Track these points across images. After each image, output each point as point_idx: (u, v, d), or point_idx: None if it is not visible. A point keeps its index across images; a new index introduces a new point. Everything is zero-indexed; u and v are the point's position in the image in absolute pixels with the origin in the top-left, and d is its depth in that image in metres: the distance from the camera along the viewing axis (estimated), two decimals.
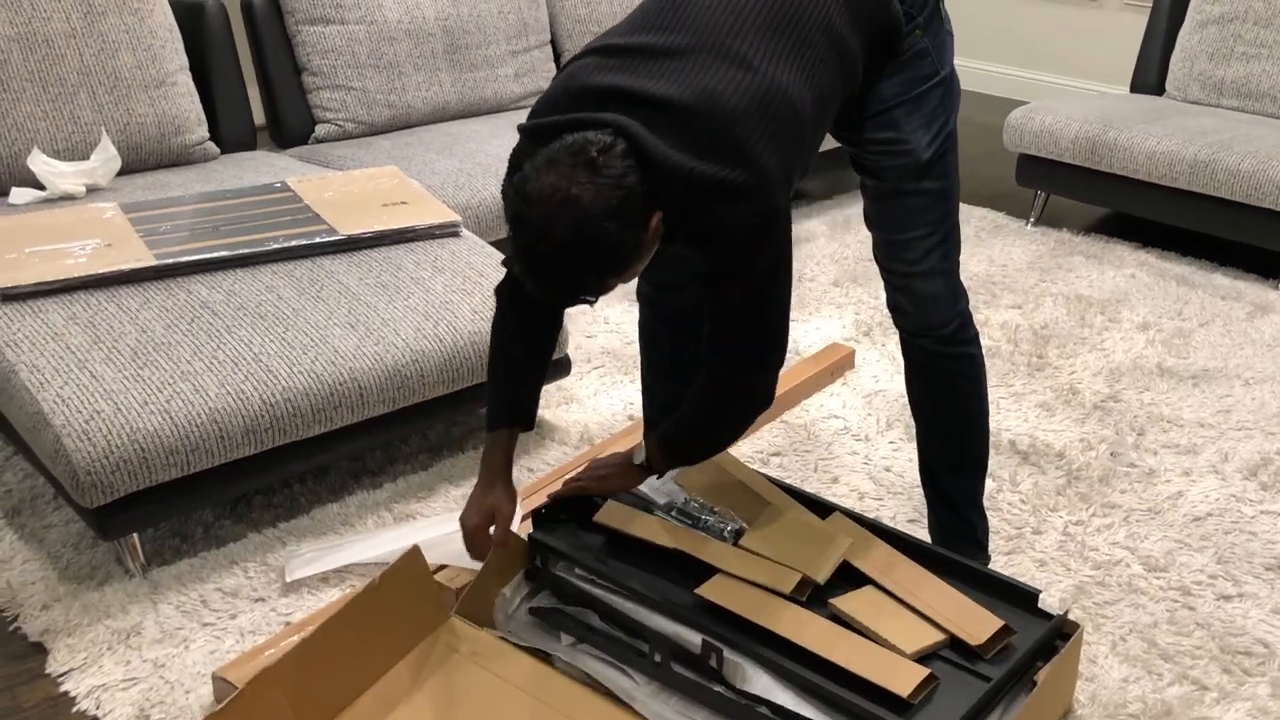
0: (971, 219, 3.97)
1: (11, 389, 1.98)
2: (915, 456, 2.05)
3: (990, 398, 2.60)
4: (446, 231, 2.53)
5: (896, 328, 1.91)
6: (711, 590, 1.70)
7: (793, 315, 2.05)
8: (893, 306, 1.88)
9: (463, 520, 1.79)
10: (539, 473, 2.41)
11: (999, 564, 2.12)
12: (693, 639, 1.67)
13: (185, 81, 2.95)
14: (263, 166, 2.93)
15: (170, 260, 2.23)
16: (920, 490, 2.09)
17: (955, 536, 2.00)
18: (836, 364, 2.83)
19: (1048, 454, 2.52)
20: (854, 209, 3.93)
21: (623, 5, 3.79)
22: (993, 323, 3.15)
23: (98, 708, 1.79)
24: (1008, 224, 3.96)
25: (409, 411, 2.27)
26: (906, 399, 2.01)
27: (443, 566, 1.93)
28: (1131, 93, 4.21)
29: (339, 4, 3.20)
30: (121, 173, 2.80)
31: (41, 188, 2.65)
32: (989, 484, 2.31)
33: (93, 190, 2.70)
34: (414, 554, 1.74)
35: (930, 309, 1.84)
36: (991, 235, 3.85)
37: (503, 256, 2.01)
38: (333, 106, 3.23)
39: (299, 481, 2.35)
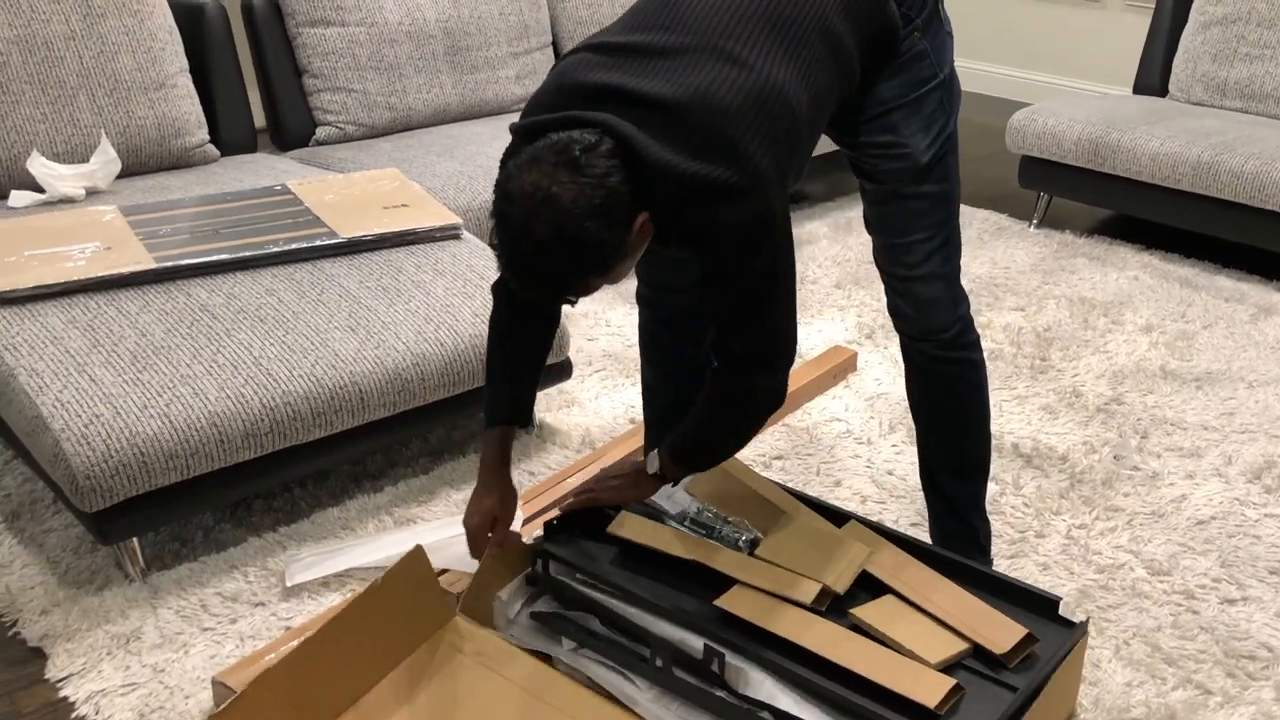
0: (974, 221, 3.97)
1: (10, 393, 1.97)
2: (917, 460, 2.04)
3: (993, 400, 2.59)
4: (447, 234, 2.52)
5: (897, 332, 1.90)
6: (731, 601, 1.69)
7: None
8: (893, 311, 1.88)
9: (465, 522, 1.81)
10: (540, 476, 2.40)
11: (1002, 568, 2.11)
12: (695, 644, 1.67)
13: (185, 84, 2.95)
14: (263, 169, 2.92)
15: (170, 263, 2.22)
16: (924, 494, 2.08)
17: (957, 541, 1.99)
18: (839, 367, 2.83)
19: (1051, 457, 2.51)
20: (856, 211, 3.92)
21: (624, 7, 3.79)
22: (995, 325, 3.15)
23: (97, 713, 1.78)
24: (1010, 226, 3.96)
25: (410, 415, 2.27)
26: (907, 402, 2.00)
27: (444, 571, 1.93)
28: (1134, 94, 4.20)
29: (339, 6, 3.20)
30: (121, 175, 2.80)
31: (41, 190, 2.64)
32: (991, 488, 2.31)
33: (92, 193, 2.70)
34: (417, 554, 1.73)
35: (931, 313, 1.84)
36: (994, 237, 3.84)
37: None
38: (333, 109, 3.23)
39: (299, 485, 2.35)
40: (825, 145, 1.89)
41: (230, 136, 3.10)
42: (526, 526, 2.03)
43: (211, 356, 2.06)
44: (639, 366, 2.13)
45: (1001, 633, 1.65)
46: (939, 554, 1.83)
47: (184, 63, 2.96)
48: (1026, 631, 1.65)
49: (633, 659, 1.74)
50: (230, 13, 3.14)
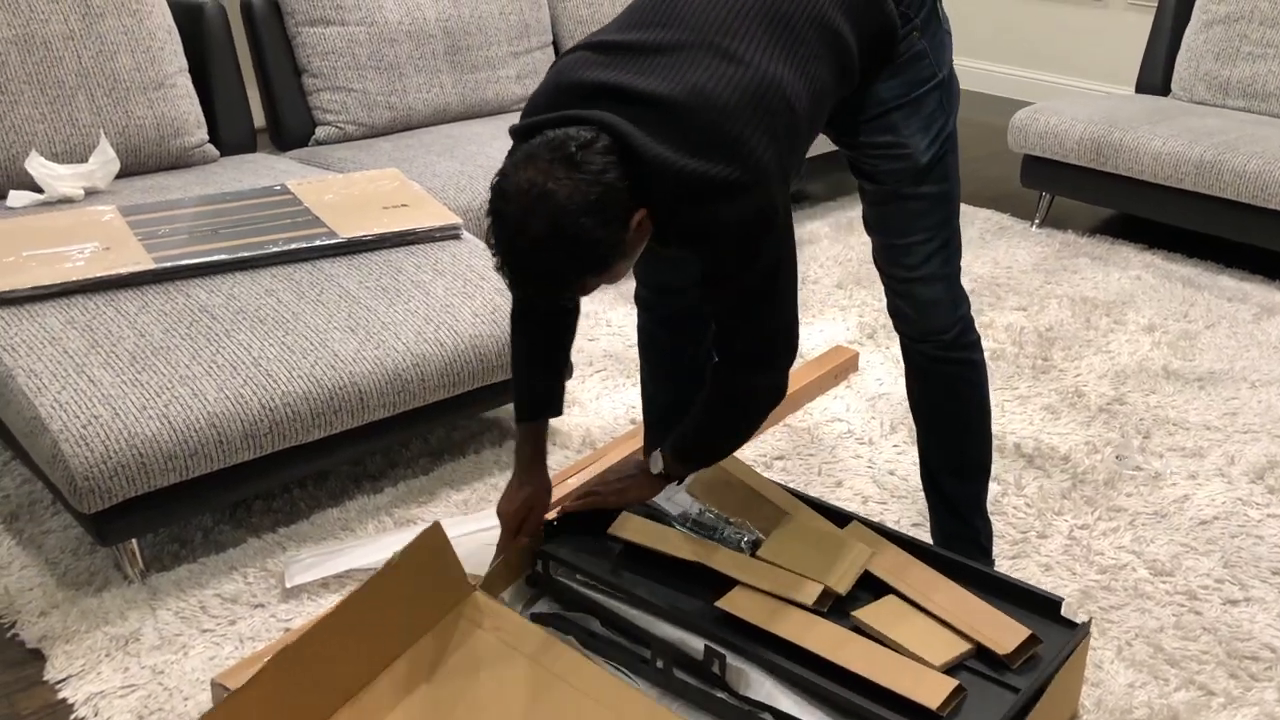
0: (976, 220, 3.96)
1: (9, 394, 1.97)
2: (918, 461, 2.03)
3: (995, 400, 2.59)
4: (447, 234, 2.52)
5: (897, 333, 1.89)
6: (732, 603, 1.69)
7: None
8: (893, 312, 1.87)
9: (499, 510, 1.85)
10: None
11: (1004, 568, 2.10)
12: (696, 645, 1.66)
13: (184, 83, 2.94)
14: (262, 169, 2.92)
15: (169, 264, 2.22)
16: (925, 495, 2.07)
17: (958, 541, 1.98)
18: (840, 367, 2.82)
19: (1053, 457, 2.50)
20: (857, 211, 3.89)
21: (624, 5, 3.77)
22: (997, 325, 3.14)
23: (96, 715, 1.78)
24: (1012, 225, 3.95)
25: (409, 416, 2.26)
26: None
27: None
28: (1136, 93, 4.19)
29: (339, 5, 3.19)
30: (120, 175, 2.79)
31: (39, 191, 2.64)
32: (993, 488, 2.30)
33: (91, 193, 2.69)
34: (435, 530, 1.71)
35: (931, 314, 1.83)
36: (996, 237, 3.83)
37: None
38: (333, 108, 3.22)
39: (299, 486, 2.34)
40: (826, 144, 1.88)
41: (229, 136, 3.10)
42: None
43: (210, 357, 2.05)
44: (639, 366, 2.13)
45: (1004, 633, 1.64)
46: (941, 554, 1.83)
47: (183, 62, 2.95)
48: (1029, 632, 1.64)
49: (633, 660, 1.73)
50: (229, 12, 3.14)
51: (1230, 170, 3.36)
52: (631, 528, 1.84)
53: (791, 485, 2.15)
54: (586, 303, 3.13)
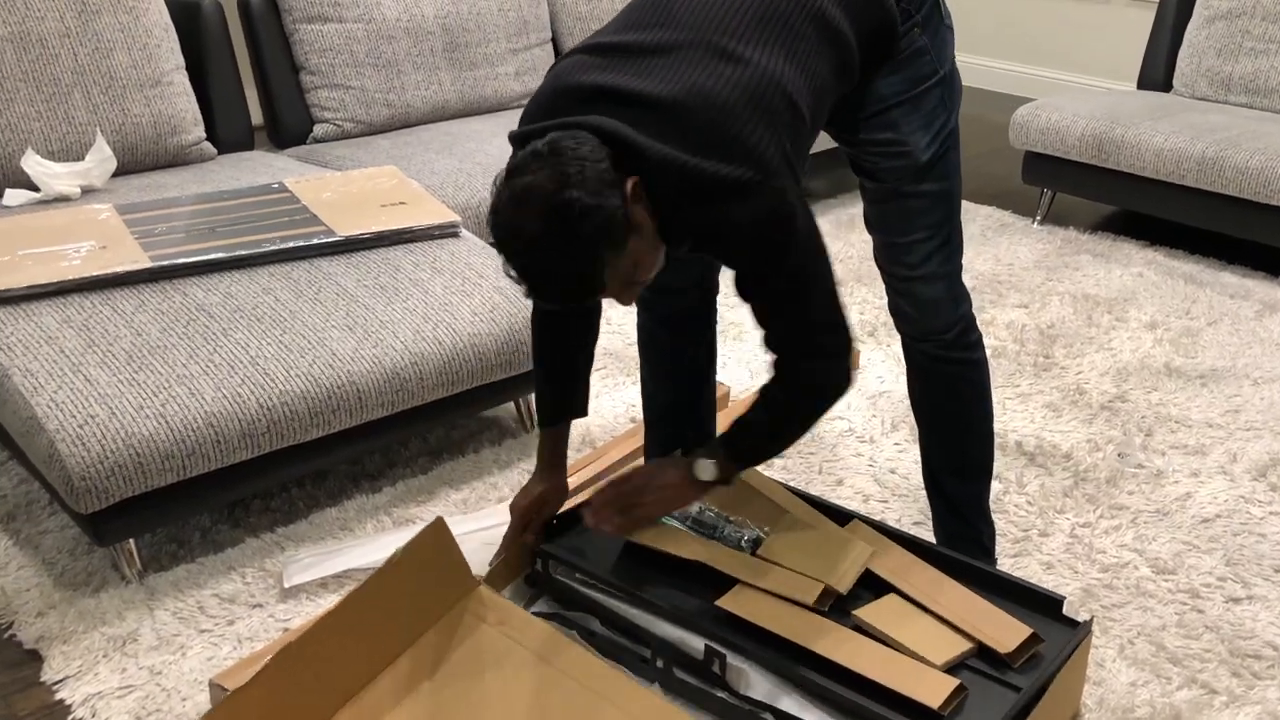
0: (977, 217, 3.95)
1: (5, 393, 1.96)
2: (920, 460, 2.02)
3: (996, 398, 2.58)
4: (446, 232, 2.51)
5: (898, 331, 1.88)
6: (732, 602, 1.68)
7: None
8: (894, 310, 1.86)
9: (512, 505, 1.87)
10: None
11: (1005, 567, 2.09)
12: (696, 644, 1.65)
13: (181, 81, 2.93)
14: (260, 167, 2.91)
15: (166, 262, 2.21)
16: (926, 494, 2.06)
17: (960, 541, 1.97)
18: None
19: (1054, 455, 2.50)
20: (858, 208, 3.90)
21: (623, 2, 3.77)
22: (999, 322, 3.13)
23: (94, 716, 1.77)
24: (1014, 222, 3.94)
25: (408, 415, 2.25)
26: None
27: None
28: (1138, 89, 4.18)
29: (337, 2, 3.18)
30: (117, 174, 2.78)
31: (35, 189, 2.63)
32: (995, 486, 2.29)
33: (87, 191, 2.68)
34: (439, 525, 1.70)
35: (932, 313, 1.82)
36: (997, 234, 3.82)
37: None
38: (331, 106, 3.21)
39: (297, 486, 2.33)
40: (827, 142, 1.87)
41: (227, 134, 3.08)
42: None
43: (208, 356, 2.04)
44: (639, 365, 2.12)
45: (1006, 632, 1.64)
46: (942, 553, 1.82)
47: (180, 60, 2.94)
48: (1031, 631, 1.64)
49: (633, 660, 1.72)
50: (226, 9, 3.12)
51: (1232, 166, 3.35)
52: None
53: (792, 484, 2.15)
54: None
